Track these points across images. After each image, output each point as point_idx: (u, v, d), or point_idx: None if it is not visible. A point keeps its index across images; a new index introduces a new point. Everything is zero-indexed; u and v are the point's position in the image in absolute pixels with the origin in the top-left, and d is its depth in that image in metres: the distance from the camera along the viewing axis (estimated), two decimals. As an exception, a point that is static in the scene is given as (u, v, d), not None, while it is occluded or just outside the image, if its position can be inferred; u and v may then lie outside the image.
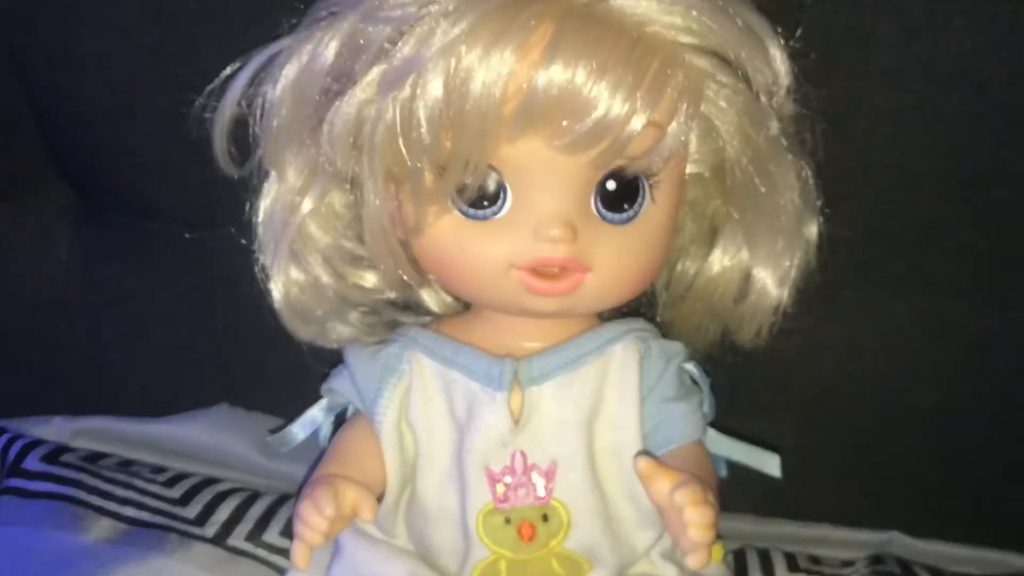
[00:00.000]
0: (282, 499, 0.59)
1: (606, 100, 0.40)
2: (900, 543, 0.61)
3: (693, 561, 0.41)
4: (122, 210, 0.62)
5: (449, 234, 0.45)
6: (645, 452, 0.47)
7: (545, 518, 0.47)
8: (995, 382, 0.58)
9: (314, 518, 0.44)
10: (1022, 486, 0.60)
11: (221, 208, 0.57)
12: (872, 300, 0.58)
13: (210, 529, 0.56)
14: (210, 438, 0.64)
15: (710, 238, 0.51)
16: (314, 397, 0.54)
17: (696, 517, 0.41)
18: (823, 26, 0.50)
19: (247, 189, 0.49)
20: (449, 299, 0.54)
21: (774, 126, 0.45)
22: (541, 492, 0.47)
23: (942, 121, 0.52)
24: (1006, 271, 0.56)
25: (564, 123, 0.41)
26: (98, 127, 0.59)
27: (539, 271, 0.44)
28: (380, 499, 0.49)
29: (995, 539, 0.61)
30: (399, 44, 0.41)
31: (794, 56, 0.46)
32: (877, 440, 0.60)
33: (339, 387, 0.51)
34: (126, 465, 0.61)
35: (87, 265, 0.65)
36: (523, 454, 0.47)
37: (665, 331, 0.53)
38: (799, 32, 0.49)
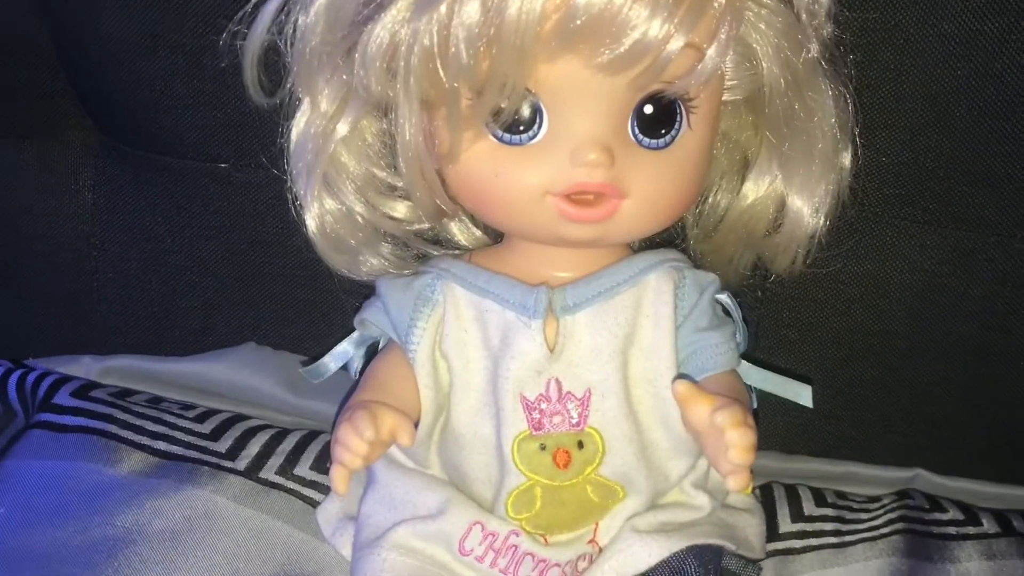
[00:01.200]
0: (311, 435, 0.60)
1: (645, 20, 0.40)
2: (925, 480, 0.61)
3: (733, 483, 0.41)
4: (147, 147, 0.62)
5: (484, 160, 0.44)
6: (683, 375, 0.47)
7: (580, 445, 0.47)
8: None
9: (354, 441, 0.44)
10: (1049, 422, 0.61)
11: (249, 142, 0.57)
12: (902, 234, 0.57)
13: (241, 463, 0.56)
14: (237, 376, 0.64)
15: (742, 171, 0.51)
16: (340, 336, 0.54)
17: (737, 438, 0.41)
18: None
19: (276, 121, 0.49)
20: (479, 233, 0.54)
21: (814, 48, 0.45)
22: (576, 419, 0.47)
23: (977, 50, 0.51)
24: (1038, 204, 0.56)
25: (603, 43, 0.41)
26: (121, 59, 0.58)
27: (575, 198, 0.44)
28: (415, 427, 0.49)
29: (1020, 476, 0.62)
30: (435, -37, 0.41)
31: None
32: (905, 377, 0.61)
33: (372, 318, 0.51)
34: (155, 401, 0.62)
35: (113, 202, 0.64)
36: (558, 382, 0.47)
37: (697, 263, 0.53)
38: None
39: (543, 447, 0.47)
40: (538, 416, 0.47)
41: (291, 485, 0.56)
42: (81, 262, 0.65)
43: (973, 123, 0.53)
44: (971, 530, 0.55)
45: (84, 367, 0.65)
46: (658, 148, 0.45)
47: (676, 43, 0.41)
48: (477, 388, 0.48)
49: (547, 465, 0.47)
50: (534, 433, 0.47)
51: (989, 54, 0.51)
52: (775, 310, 0.60)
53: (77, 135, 0.64)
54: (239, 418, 0.61)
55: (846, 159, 0.49)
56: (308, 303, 0.63)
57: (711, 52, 0.42)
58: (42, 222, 0.65)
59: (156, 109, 0.60)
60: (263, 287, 0.63)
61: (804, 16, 0.44)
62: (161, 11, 0.56)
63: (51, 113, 0.64)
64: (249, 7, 0.47)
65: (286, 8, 0.46)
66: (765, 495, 0.58)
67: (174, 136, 0.60)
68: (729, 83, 0.46)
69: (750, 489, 0.54)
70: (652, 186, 0.45)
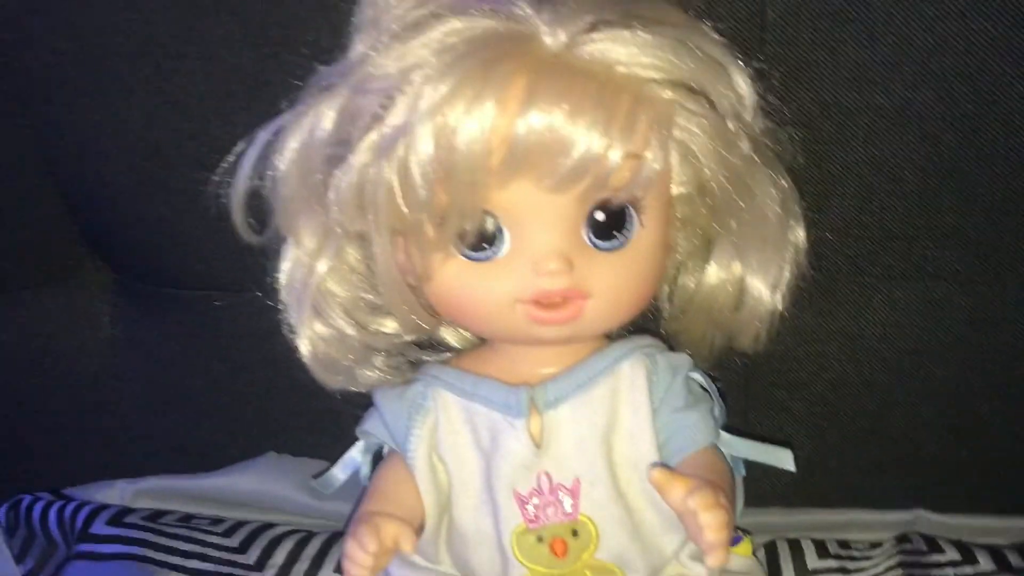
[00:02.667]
0: (334, 537, 0.63)
1: (583, 139, 0.43)
2: (925, 520, 0.63)
3: (712, 560, 0.44)
4: (157, 281, 0.66)
5: (455, 277, 0.48)
6: (659, 463, 0.49)
7: (575, 533, 0.50)
8: (997, 354, 0.60)
9: (359, 555, 0.47)
10: (1037, 451, 0.62)
11: (247, 272, 0.60)
12: (869, 290, 0.60)
13: (269, 572, 0.60)
14: (261, 485, 0.67)
15: (706, 251, 0.54)
16: (352, 438, 0.57)
17: (709, 520, 0.44)
18: (787, 41, 0.53)
19: (269, 251, 0.53)
20: (467, 333, 0.57)
21: (745, 145, 0.48)
22: (568, 509, 0.50)
23: (913, 116, 0.54)
24: (995, 249, 0.58)
25: (548, 165, 0.44)
26: (125, 207, 0.63)
27: (542, 302, 0.47)
28: (422, 528, 0.52)
29: (1018, 507, 0.63)
30: (389, 111, 0.45)
31: (762, 74, 0.49)
32: (891, 424, 0.63)
33: (372, 429, 0.54)
34: (186, 520, 0.65)
35: (131, 335, 0.69)
36: (548, 475, 0.50)
37: (672, 343, 0.55)
38: (764, 51, 0.52)
39: (540, 538, 0.50)
40: (532, 509, 0.50)
41: (317, 590, 0.59)
42: (106, 394, 0.69)
43: (921, 183, 0.56)
44: (968, 570, 0.57)
45: (119, 491, 0.69)
46: (614, 249, 0.48)
47: (614, 157, 0.44)
48: (474, 487, 0.51)
49: (545, 555, 0.50)
50: (530, 526, 0.50)
51: (924, 119, 0.54)
52: (761, 374, 0.62)
53: (93, 276, 0.69)
54: (265, 527, 0.64)
55: (799, 236, 0.52)
56: (321, 412, 0.66)
57: (648, 159, 0.45)
58: (67, 359, 0.69)
59: (160, 247, 0.64)
60: (277, 400, 0.67)
61: (730, 120, 0.47)
62: (157, 159, 0.60)
63: (67, 258, 0.68)
64: (231, 158, 0.51)
65: (265, 153, 0.50)
66: (769, 553, 0.60)
67: (179, 270, 0.65)
68: (677, 179, 0.49)
69: (750, 550, 0.57)
70: (612, 284, 0.48)
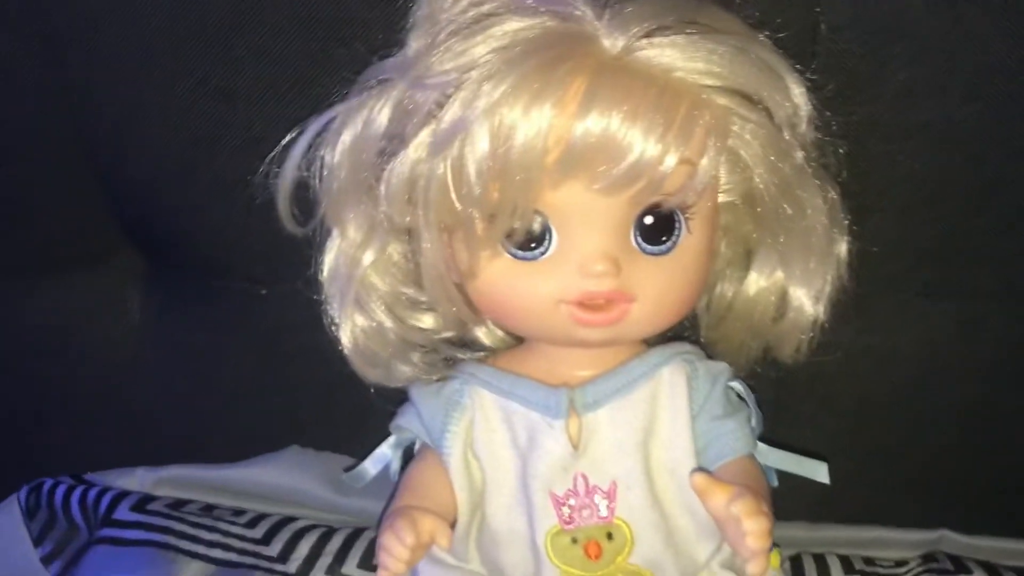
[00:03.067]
0: (357, 533, 0.63)
1: (640, 144, 0.44)
2: (950, 540, 0.63)
3: (753, 567, 0.44)
4: (189, 270, 0.66)
5: (501, 276, 0.48)
6: (700, 468, 0.49)
7: (610, 536, 0.50)
8: (1031, 377, 0.61)
9: (396, 547, 0.47)
10: (1067, 475, 0.62)
11: (285, 264, 0.60)
12: (905, 308, 0.60)
13: (292, 565, 0.60)
14: (283, 479, 0.67)
15: (746, 260, 0.54)
16: (378, 436, 0.57)
17: (753, 527, 0.44)
18: (839, 54, 0.53)
19: (311, 246, 0.53)
20: (502, 335, 0.57)
21: (798, 155, 0.48)
22: (604, 512, 0.50)
23: (960, 134, 0.54)
24: (1035, 271, 0.58)
25: (602, 168, 0.44)
26: (163, 193, 0.63)
27: (586, 304, 0.47)
28: (453, 525, 0.52)
29: (1045, 531, 0.63)
30: (446, 107, 0.45)
31: (813, 86, 0.49)
32: (920, 442, 0.63)
33: (407, 424, 0.54)
34: (208, 510, 0.65)
35: (158, 323, 0.69)
36: (584, 477, 0.50)
37: (708, 351, 0.55)
38: (815, 63, 0.52)
39: (575, 540, 0.50)
40: (568, 511, 0.50)
41: (339, 585, 0.59)
42: (131, 381, 0.69)
43: (962, 201, 0.56)
44: (994, 591, 0.57)
45: (139, 479, 0.68)
46: (660, 254, 0.48)
47: (669, 162, 0.44)
48: (509, 486, 0.51)
49: (580, 558, 0.50)
50: (565, 528, 0.50)
51: (969, 137, 0.55)
52: (792, 387, 0.62)
53: (122, 261, 0.69)
54: (288, 520, 0.64)
55: (842, 249, 0.52)
56: (347, 407, 0.66)
57: (702, 166, 0.45)
58: (93, 345, 0.69)
59: (195, 236, 0.64)
60: (304, 394, 0.67)
61: (785, 129, 0.47)
62: (199, 147, 0.60)
63: (96, 241, 0.68)
64: (277, 148, 0.51)
65: (314, 145, 0.50)
66: (795, 567, 0.60)
67: (213, 260, 0.65)
68: (724, 187, 0.50)
69: (779, 563, 0.56)
70: (657, 288, 0.48)
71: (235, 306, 0.65)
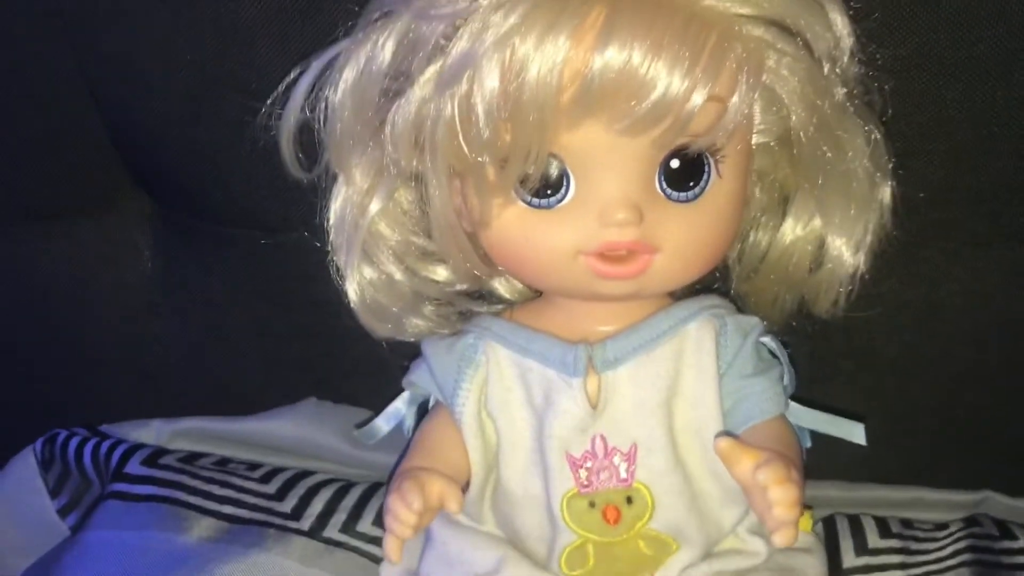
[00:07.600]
0: (373, 488, 0.61)
1: (664, 79, 0.40)
2: (995, 502, 0.60)
3: (780, 539, 0.41)
4: (200, 216, 0.64)
5: (515, 225, 0.45)
6: (725, 432, 0.46)
7: (629, 500, 0.47)
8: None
9: (403, 512, 0.45)
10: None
11: (295, 210, 0.58)
12: (952, 257, 0.57)
13: (306, 522, 0.58)
14: (300, 432, 0.65)
15: (781, 207, 0.51)
16: (397, 386, 0.55)
17: (780, 495, 0.41)
18: (886, -19, 0.49)
19: (318, 189, 0.50)
20: (521, 286, 0.54)
21: (839, 92, 0.44)
22: (623, 475, 0.47)
23: (1016, 69, 0.50)
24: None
25: (623, 106, 0.41)
26: (170, 137, 0.61)
27: (607, 255, 0.44)
28: (466, 486, 0.50)
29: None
30: (453, 40, 0.42)
31: (856, 15, 0.45)
32: (965, 401, 0.60)
33: (419, 380, 0.52)
34: (222, 464, 0.64)
35: (171, 271, 0.67)
36: (603, 438, 0.47)
37: (740, 305, 0.52)
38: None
39: (592, 504, 0.47)
40: (585, 474, 0.47)
41: (354, 543, 0.57)
42: (144, 329, 0.68)
43: (1017, 142, 0.52)
44: (1042, 558, 0.54)
45: (155, 431, 0.67)
46: (687, 201, 0.45)
47: (697, 99, 0.41)
48: (524, 447, 0.48)
49: (597, 522, 0.47)
50: (582, 491, 0.47)
51: (1028, 72, 0.50)
52: (829, 340, 0.59)
53: (133, 205, 0.67)
54: (303, 475, 0.62)
55: (885, 194, 0.48)
56: (364, 358, 0.64)
57: (733, 104, 0.42)
58: (104, 292, 0.68)
59: (204, 181, 0.62)
60: (320, 345, 0.65)
61: (826, 62, 0.44)
62: (203, 87, 0.58)
63: (106, 186, 0.66)
64: (281, 88, 0.49)
65: (317, 84, 0.47)
66: (828, 528, 0.57)
67: (223, 205, 0.62)
68: (758, 127, 0.46)
69: (811, 525, 0.54)
70: (683, 239, 0.45)
71: (247, 253, 0.63)
